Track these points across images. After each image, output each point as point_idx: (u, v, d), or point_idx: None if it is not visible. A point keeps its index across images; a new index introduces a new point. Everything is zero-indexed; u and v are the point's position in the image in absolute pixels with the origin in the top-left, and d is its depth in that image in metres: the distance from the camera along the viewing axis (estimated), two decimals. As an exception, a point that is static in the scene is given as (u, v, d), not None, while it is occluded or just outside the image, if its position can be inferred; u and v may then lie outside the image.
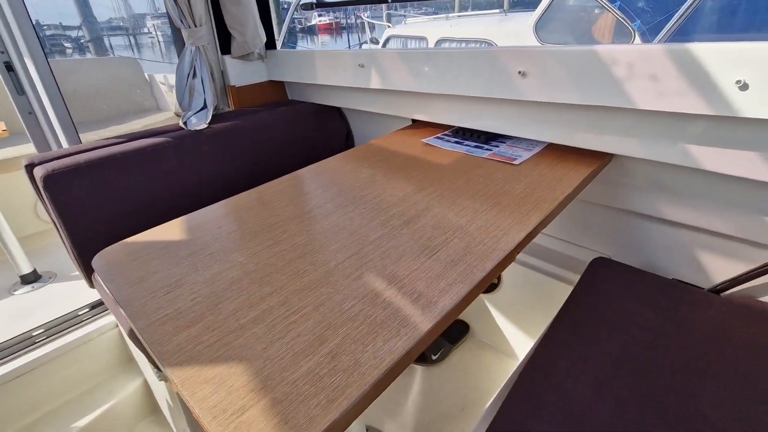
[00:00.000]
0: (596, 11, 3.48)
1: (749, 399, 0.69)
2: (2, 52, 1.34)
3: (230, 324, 0.56)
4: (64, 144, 1.44)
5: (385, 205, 0.86)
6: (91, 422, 1.33)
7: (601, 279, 1.00)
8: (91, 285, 1.19)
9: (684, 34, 2.71)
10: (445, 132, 1.30)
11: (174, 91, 1.46)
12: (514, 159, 1.05)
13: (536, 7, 3.76)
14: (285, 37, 1.99)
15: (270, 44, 1.71)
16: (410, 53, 1.24)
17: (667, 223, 1.06)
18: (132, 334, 0.98)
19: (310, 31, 19.63)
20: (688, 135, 0.85)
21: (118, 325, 1.44)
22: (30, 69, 1.35)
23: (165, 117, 2.79)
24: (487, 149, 1.13)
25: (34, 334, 1.35)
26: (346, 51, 1.44)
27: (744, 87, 0.72)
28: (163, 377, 1.08)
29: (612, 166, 1.05)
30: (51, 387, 1.34)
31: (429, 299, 0.58)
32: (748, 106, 0.72)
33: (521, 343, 1.45)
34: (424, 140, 1.24)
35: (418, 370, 1.47)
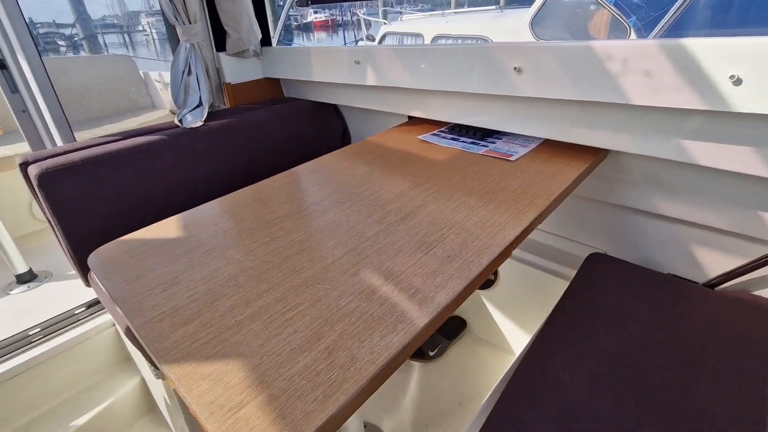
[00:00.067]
0: (592, 7, 3.48)
1: (744, 393, 0.69)
2: (-5, 50, 1.33)
3: (227, 321, 0.56)
4: (59, 142, 1.43)
5: (382, 202, 0.86)
6: (89, 421, 1.33)
7: (596, 274, 1.01)
8: (87, 284, 1.18)
9: (679, 29, 2.72)
10: (442, 128, 1.30)
11: (169, 89, 1.46)
12: (510, 155, 1.05)
13: (532, 4, 3.76)
14: (280, 34, 1.98)
15: (265, 41, 1.70)
16: (406, 50, 1.24)
17: (662, 218, 1.07)
18: (129, 332, 0.98)
19: (306, 28, 19.54)
20: (682, 130, 0.85)
21: (114, 324, 1.43)
22: (24, 67, 1.34)
23: (160, 115, 2.77)
24: (483, 145, 1.13)
25: (31, 333, 1.35)
26: (342, 48, 1.43)
27: (738, 82, 0.72)
28: (160, 375, 1.07)
29: (607, 161, 1.06)
30: (48, 386, 1.34)
31: (425, 295, 0.58)
32: (742, 101, 0.73)
33: (518, 338, 1.46)
34: (421, 137, 1.24)
35: (416, 366, 1.48)
